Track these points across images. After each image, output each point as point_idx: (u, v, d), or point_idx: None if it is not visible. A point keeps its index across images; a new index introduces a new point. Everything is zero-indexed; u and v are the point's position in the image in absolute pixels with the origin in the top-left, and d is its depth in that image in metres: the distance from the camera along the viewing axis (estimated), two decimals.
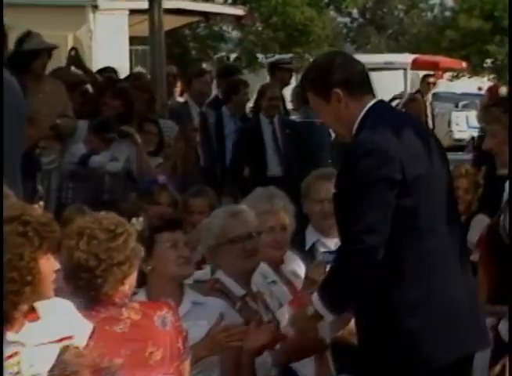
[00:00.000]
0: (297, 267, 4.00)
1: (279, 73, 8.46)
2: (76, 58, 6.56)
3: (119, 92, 5.85)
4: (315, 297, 3.04)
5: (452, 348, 2.97)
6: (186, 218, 4.52)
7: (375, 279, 2.96)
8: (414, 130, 3.06)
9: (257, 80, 18.53)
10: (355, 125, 3.04)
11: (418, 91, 9.86)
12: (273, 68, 8.72)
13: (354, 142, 3.03)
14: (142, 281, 3.21)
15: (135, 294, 3.05)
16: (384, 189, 2.92)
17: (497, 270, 3.65)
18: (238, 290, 3.50)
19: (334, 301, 3.02)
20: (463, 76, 23.39)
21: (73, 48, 6.81)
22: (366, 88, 3.09)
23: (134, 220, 3.23)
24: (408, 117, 3.19)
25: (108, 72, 6.88)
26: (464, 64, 21.80)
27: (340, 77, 3.06)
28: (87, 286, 2.70)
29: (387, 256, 2.94)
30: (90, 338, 2.60)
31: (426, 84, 10.48)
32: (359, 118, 3.04)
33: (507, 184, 3.42)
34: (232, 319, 3.29)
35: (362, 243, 2.92)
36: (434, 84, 10.67)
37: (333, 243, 4.09)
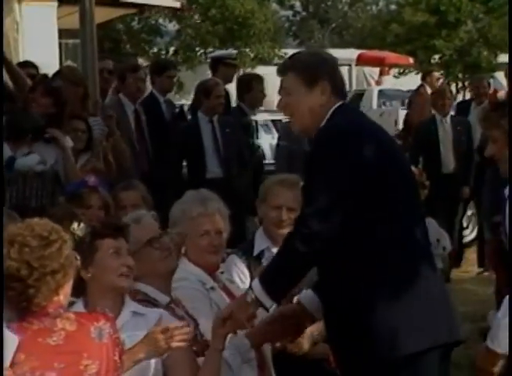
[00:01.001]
0: (240, 272, 4.02)
1: (224, 69, 8.48)
2: None
3: (51, 90, 5.79)
4: (255, 283, 3.09)
5: (423, 339, 3.03)
6: (119, 213, 4.56)
7: (340, 269, 3.03)
8: (378, 127, 3.22)
9: (194, 76, 18.57)
10: (324, 121, 3.15)
11: (422, 85, 9.89)
12: (217, 64, 8.73)
13: (322, 129, 3.13)
14: (80, 291, 3.21)
15: (72, 304, 3.04)
16: (345, 176, 3.00)
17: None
18: (162, 297, 3.50)
19: (275, 286, 3.08)
20: (410, 72, 23.70)
21: None
22: (343, 91, 3.27)
23: (75, 225, 3.21)
24: (369, 118, 3.35)
25: (28, 67, 6.78)
26: (411, 60, 22.12)
27: (332, 72, 3.22)
28: (18, 296, 2.68)
29: (351, 247, 3.02)
30: (20, 351, 2.57)
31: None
32: (328, 114, 3.16)
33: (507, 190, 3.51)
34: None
35: (308, 227, 2.98)
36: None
37: None
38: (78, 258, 2.83)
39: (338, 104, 3.19)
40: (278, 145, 7.82)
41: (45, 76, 6.07)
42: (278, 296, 3.12)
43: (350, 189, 3.01)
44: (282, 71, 3.25)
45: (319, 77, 3.17)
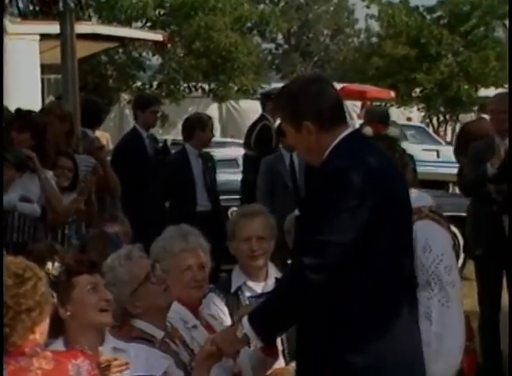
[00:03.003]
0: (219, 310, 3.99)
1: (271, 104, 8.27)
2: None
3: (27, 124, 5.75)
4: (245, 321, 3.04)
5: None
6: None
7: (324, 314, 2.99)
8: (382, 162, 3.11)
9: (178, 110, 18.61)
10: (325, 155, 3.07)
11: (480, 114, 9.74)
12: (265, 99, 8.65)
13: (322, 169, 3.08)
14: (58, 330, 3.17)
15: (49, 345, 3.01)
16: (346, 218, 2.95)
17: None
18: (157, 332, 3.48)
19: (266, 327, 3.04)
20: (391, 106, 23.82)
21: None
22: (339, 119, 3.11)
23: (49, 265, 3.19)
24: (377, 150, 3.21)
25: None
26: (392, 94, 22.24)
27: (312, 109, 3.06)
28: None
29: (338, 292, 2.98)
30: None
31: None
32: (330, 149, 3.07)
33: None
34: (159, 363, 3.28)
35: (319, 256, 2.94)
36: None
37: (259, 287, 4.12)
38: (55, 295, 2.80)
39: (343, 136, 3.08)
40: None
41: (19, 111, 6.01)
42: (268, 338, 3.08)
43: (354, 230, 2.96)
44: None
45: (299, 119, 3.08)
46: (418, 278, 3.30)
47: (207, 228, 4.00)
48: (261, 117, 8.55)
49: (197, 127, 7.60)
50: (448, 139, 23.06)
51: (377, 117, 8.13)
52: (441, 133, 24.37)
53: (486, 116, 8.41)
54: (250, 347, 3.16)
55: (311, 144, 3.10)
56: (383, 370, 3.00)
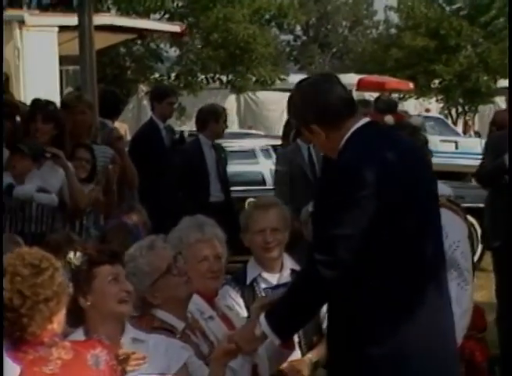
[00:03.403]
0: (234, 303, 4.00)
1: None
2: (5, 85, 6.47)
3: (51, 115, 5.79)
4: (262, 319, 3.07)
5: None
6: None
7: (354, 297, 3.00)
8: (399, 155, 3.10)
9: (195, 101, 18.60)
10: (340, 148, 3.13)
11: None
12: None
13: (333, 165, 3.14)
14: (78, 320, 3.19)
15: (70, 334, 3.02)
16: (355, 211, 2.97)
17: None
18: (178, 323, 3.49)
19: (284, 326, 3.06)
20: (410, 97, 23.73)
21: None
22: (347, 114, 3.15)
23: (71, 254, 3.21)
24: (396, 142, 3.21)
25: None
26: (411, 85, 22.16)
27: (315, 113, 3.15)
28: (12, 326, 2.65)
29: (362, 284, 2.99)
30: None
31: None
32: (342, 144, 3.13)
33: None
34: (179, 354, 3.29)
35: (333, 254, 2.96)
36: None
37: (275, 278, 4.12)
38: (71, 285, 2.82)
39: (355, 128, 3.12)
40: (276, 170, 7.86)
41: (44, 103, 6.05)
42: (285, 335, 3.11)
43: (365, 226, 2.97)
44: None
45: (308, 124, 3.18)
46: None
47: (219, 219, 4.00)
48: None
49: (211, 118, 7.59)
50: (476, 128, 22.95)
51: (384, 105, 8.10)
52: (469, 123, 24.13)
53: None
54: (294, 341, 3.20)
55: (324, 142, 3.18)
56: (401, 361, 3.00)
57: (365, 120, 3.19)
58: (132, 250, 3.59)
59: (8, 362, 2.58)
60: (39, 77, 10.76)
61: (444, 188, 3.69)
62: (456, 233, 3.50)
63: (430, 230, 3.14)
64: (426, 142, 3.89)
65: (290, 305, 3.07)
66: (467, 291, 3.52)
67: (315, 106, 3.15)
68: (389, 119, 6.45)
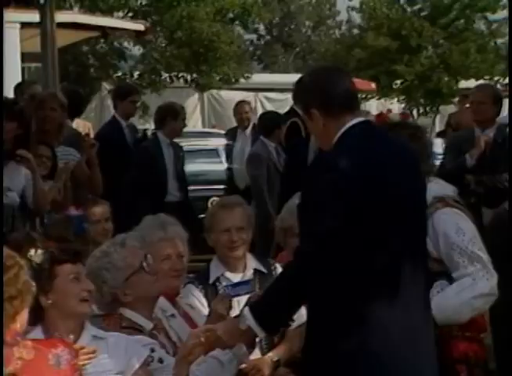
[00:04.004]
0: (197, 302, 3.99)
1: None
2: None
3: (15, 114, 5.75)
4: (247, 312, 3.08)
5: None
6: (95, 227, 5.04)
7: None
8: (391, 156, 3.14)
9: (159, 100, 18.53)
10: (333, 142, 3.15)
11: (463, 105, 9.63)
12: None
13: (318, 159, 3.21)
14: (37, 318, 3.17)
15: (28, 333, 3.00)
16: (335, 213, 3.00)
17: None
18: (146, 323, 3.49)
19: (269, 317, 3.08)
20: (372, 98, 23.84)
21: None
22: (347, 107, 3.19)
23: (32, 252, 3.19)
24: (386, 144, 3.23)
25: None
26: (373, 85, 22.27)
27: (319, 98, 3.19)
28: None
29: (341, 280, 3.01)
30: None
31: None
32: (337, 137, 3.15)
33: None
34: (139, 352, 3.27)
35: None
36: None
37: (238, 277, 4.13)
38: (34, 284, 2.81)
39: (350, 125, 3.15)
40: (252, 176, 7.89)
41: (10, 101, 6.00)
42: (271, 328, 3.13)
43: (341, 224, 3.00)
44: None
45: (308, 107, 3.21)
46: (457, 260, 3.57)
47: (177, 218, 4.00)
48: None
49: (169, 115, 7.55)
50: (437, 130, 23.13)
51: None
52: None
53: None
54: (255, 340, 3.20)
55: (320, 130, 3.20)
56: (369, 356, 3.02)
57: (362, 118, 3.24)
58: (105, 246, 3.60)
59: None
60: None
61: (449, 187, 3.78)
62: (470, 230, 3.66)
63: (409, 230, 3.15)
64: (430, 142, 3.98)
65: (276, 297, 3.09)
66: (489, 281, 3.63)
67: (323, 91, 3.18)
68: (394, 116, 6.50)
